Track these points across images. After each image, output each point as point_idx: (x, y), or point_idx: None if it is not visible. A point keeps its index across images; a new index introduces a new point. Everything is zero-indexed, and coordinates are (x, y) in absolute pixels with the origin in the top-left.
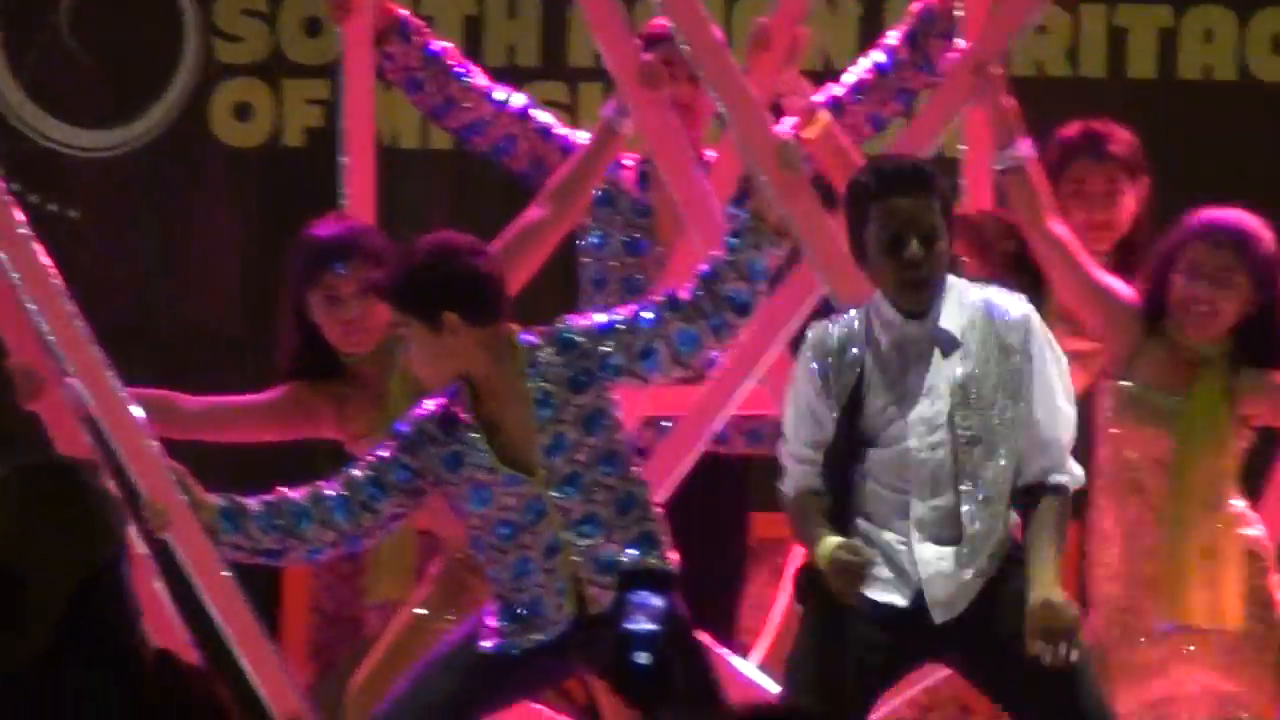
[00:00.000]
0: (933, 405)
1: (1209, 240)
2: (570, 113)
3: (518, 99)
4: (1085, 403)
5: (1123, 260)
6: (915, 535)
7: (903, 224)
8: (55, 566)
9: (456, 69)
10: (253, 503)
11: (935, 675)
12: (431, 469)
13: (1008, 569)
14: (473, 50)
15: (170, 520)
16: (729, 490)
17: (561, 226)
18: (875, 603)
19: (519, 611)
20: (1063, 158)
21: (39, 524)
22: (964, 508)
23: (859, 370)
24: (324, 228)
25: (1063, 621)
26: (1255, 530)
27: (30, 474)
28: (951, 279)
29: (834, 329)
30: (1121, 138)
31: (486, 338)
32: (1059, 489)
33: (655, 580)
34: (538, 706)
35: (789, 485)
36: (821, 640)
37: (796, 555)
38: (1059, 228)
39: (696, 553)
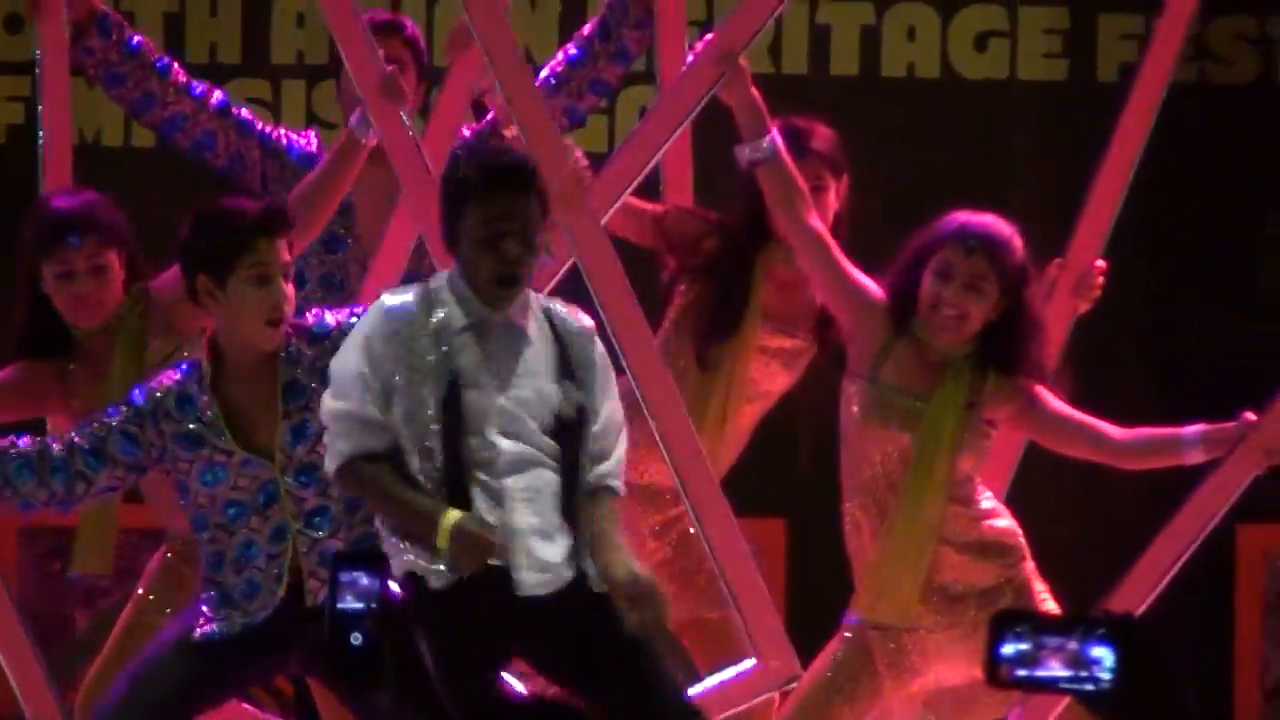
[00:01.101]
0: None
1: (963, 245)
2: (273, 109)
3: (217, 95)
4: (796, 400)
5: None
6: None
7: (503, 220)
8: None
9: (157, 64)
10: None
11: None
12: (160, 444)
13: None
14: (174, 47)
15: None
16: None
17: (307, 235)
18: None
19: (233, 595)
20: None
21: None
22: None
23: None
24: (60, 199)
25: (648, 588)
26: (1004, 522)
27: None
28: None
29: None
30: (823, 134)
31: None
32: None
33: (367, 562)
34: (247, 707)
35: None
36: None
37: None
38: (814, 220)
39: None
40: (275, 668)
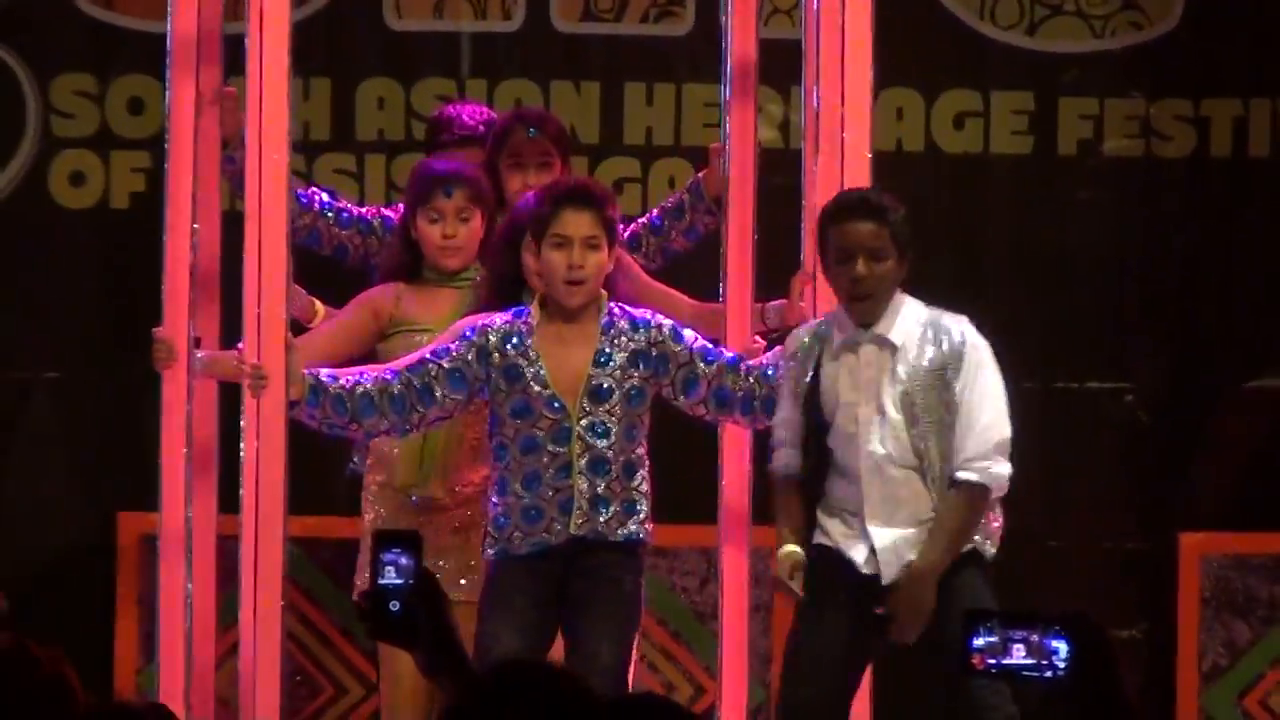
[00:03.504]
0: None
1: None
2: (357, 179)
3: (321, 198)
4: None
5: None
6: None
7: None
8: None
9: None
10: (333, 384)
11: None
12: (484, 378)
13: None
14: None
15: (267, 384)
16: None
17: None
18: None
19: (518, 518)
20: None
21: None
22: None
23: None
24: (439, 162)
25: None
26: None
27: None
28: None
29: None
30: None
31: None
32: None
33: (405, 542)
34: None
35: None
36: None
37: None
38: None
39: None
40: (549, 584)
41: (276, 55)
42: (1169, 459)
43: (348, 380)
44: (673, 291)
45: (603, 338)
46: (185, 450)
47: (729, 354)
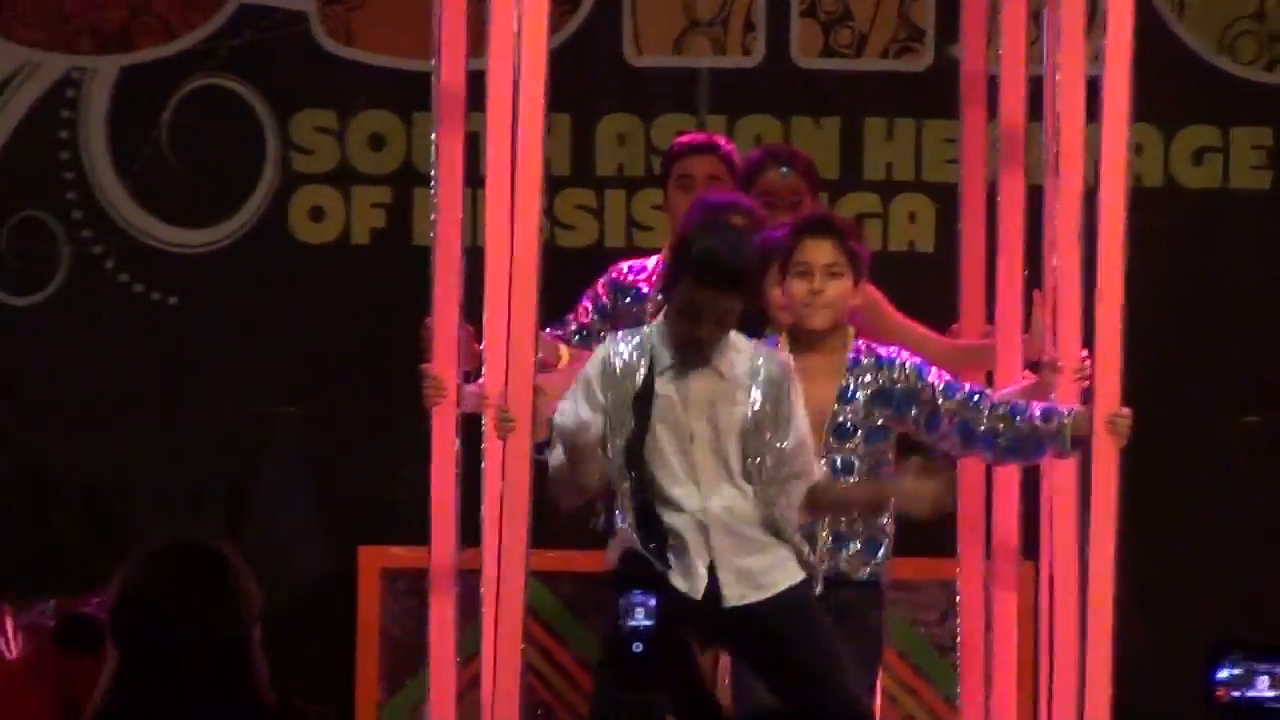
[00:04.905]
0: None
1: None
2: (596, 215)
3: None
4: None
5: None
6: None
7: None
8: (203, 630)
9: None
10: None
11: None
12: None
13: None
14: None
15: (514, 428)
16: None
17: None
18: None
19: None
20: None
21: (194, 592)
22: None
23: None
24: (715, 194)
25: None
26: None
27: (186, 548)
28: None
29: None
30: (801, 156)
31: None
32: None
33: (649, 584)
34: None
35: None
36: None
37: None
38: None
39: None
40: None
41: (533, 93)
42: None
43: None
44: (922, 328)
45: (848, 374)
46: (455, 487)
47: (972, 388)
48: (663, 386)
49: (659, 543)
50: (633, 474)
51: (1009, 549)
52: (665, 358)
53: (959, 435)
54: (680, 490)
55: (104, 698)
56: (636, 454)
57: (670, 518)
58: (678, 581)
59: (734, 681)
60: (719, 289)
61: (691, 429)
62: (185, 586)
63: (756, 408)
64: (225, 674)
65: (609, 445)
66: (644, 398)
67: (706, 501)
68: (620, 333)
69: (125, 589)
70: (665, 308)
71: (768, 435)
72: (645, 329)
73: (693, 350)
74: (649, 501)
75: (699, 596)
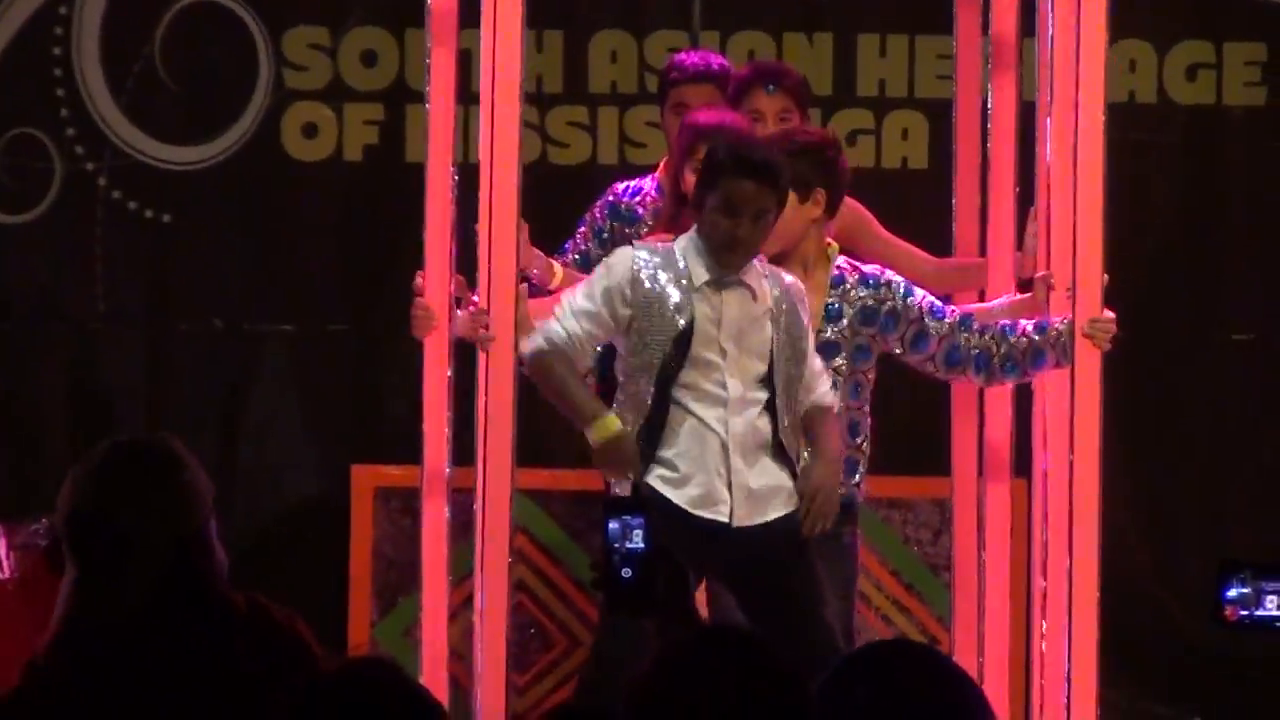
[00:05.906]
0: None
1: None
2: (590, 131)
3: None
4: None
5: None
6: None
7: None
8: (158, 529)
9: None
10: None
11: None
12: None
13: None
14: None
15: (495, 339)
16: None
17: None
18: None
19: None
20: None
21: (144, 492)
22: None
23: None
24: (703, 114)
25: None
26: None
27: (132, 447)
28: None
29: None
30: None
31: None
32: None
33: (636, 507)
34: None
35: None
36: None
37: None
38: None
39: None
40: None
41: (511, 6)
42: None
43: None
44: (913, 248)
45: (833, 292)
46: (447, 411)
47: (959, 311)
48: (699, 304)
49: (678, 460)
50: (656, 390)
51: (1001, 466)
52: (700, 272)
53: (944, 358)
54: (706, 409)
55: (66, 609)
56: (669, 373)
57: (693, 435)
58: (694, 501)
59: (712, 611)
60: (757, 180)
61: (723, 347)
62: (135, 487)
63: (781, 333)
64: (185, 571)
65: (628, 360)
66: (681, 314)
67: (730, 421)
68: (641, 244)
69: (75, 498)
70: (699, 219)
71: (787, 360)
72: (672, 244)
73: (731, 250)
74: (672, 417)
75: (726, 519)
